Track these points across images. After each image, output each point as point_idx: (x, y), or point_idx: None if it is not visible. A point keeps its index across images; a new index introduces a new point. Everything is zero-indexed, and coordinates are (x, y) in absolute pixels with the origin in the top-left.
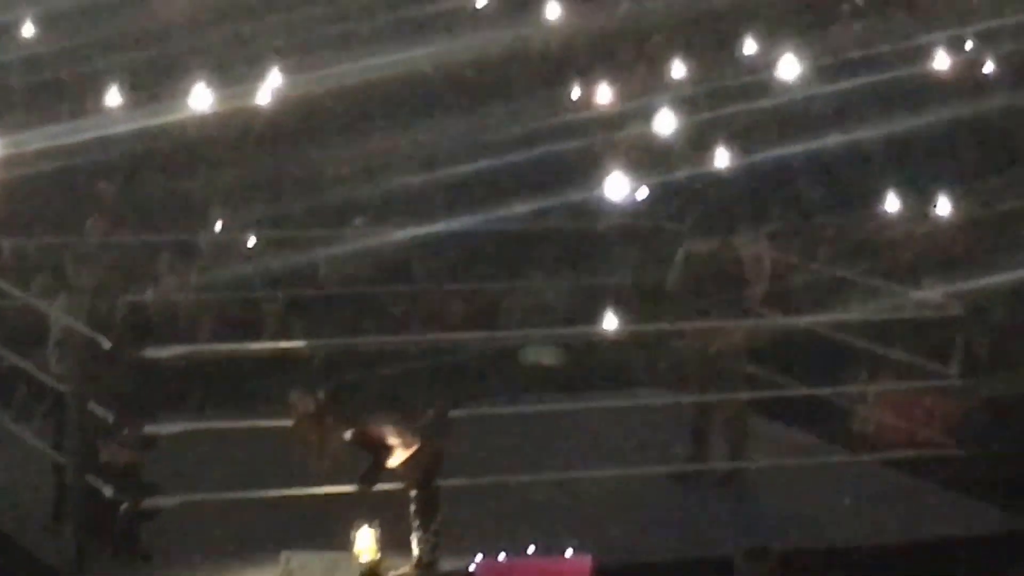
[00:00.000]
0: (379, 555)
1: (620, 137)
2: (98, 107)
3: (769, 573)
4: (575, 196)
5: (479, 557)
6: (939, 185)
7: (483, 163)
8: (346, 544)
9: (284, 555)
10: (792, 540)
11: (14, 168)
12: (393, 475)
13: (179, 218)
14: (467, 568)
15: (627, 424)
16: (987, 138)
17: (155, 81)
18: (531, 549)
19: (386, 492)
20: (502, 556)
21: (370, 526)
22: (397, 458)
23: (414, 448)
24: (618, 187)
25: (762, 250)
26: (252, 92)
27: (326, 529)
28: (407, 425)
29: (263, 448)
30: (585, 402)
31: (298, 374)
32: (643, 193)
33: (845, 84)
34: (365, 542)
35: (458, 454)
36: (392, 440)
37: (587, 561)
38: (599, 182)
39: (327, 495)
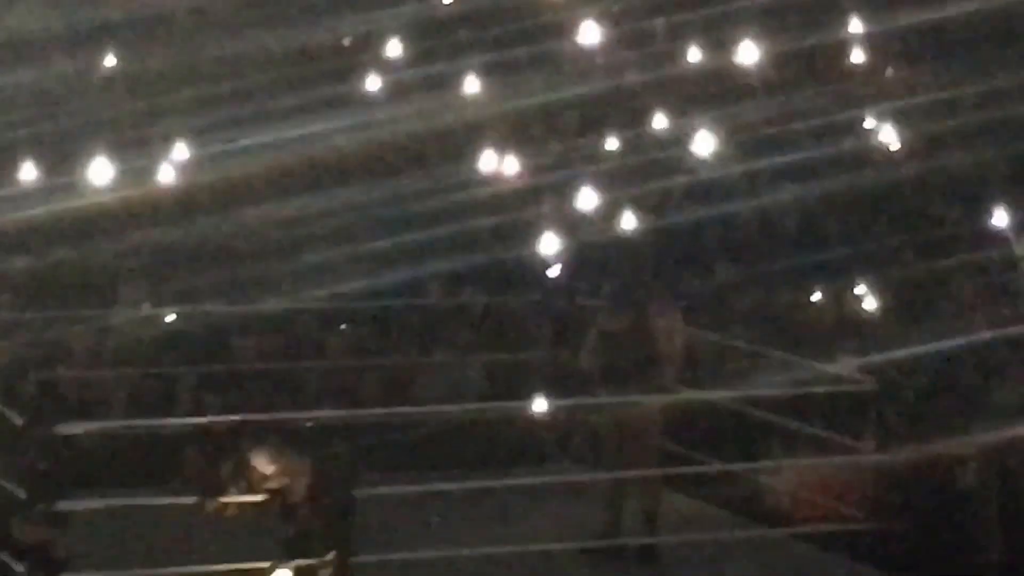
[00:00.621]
0: None
1: (534, 212)
2: (7, 182)
3: None
4: (490, 271)
5: None
6: (852, 260)
7: (397, 237)
8: None
9: None
10: None
11: None
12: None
13: (91, 294)
14: None
15: (541, 500)
16: (899, 213)
17: (65, 156)
18: None
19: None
20: None
21: (284, 565)
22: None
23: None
24: (533, 262)
25: (675, 325)
26: (163, 167)
27: None
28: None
29: (176, 525)
30: (498, 478)
31: (212, 449)
32: (557, 269)
33: (759, 159)
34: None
35: (368, 530)
36: (269, 467)
37: None
38: (513, 257)
39: (241, 571)
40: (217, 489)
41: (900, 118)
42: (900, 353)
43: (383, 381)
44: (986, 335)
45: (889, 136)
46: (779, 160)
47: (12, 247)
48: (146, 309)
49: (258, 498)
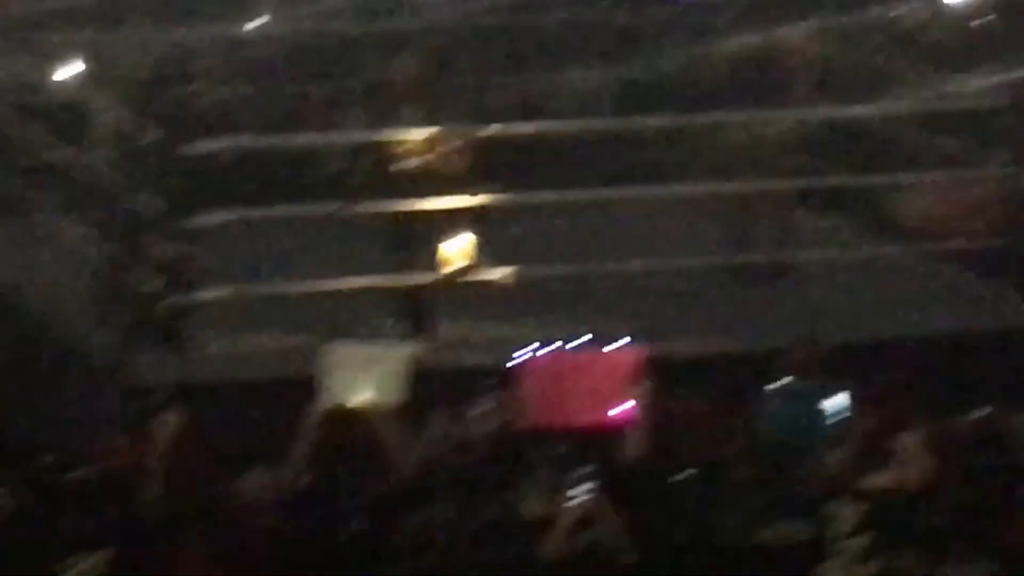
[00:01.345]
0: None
1: None
2: None
3: (816, 365)
4: None
5: (529, 349)
6: None
7: None
8: (390, 335)
9: (328, 349)
10: (839, 332)
11: None
12: None
13: (223, 6)
14: (516, 361)
15: (674, 216)
16: None
17: None
18: (580, 340)
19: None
20: (553, 347)
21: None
22: None
23: None
24: None
25: (807, 40)
26: None
27: (370, 320)
28: None
29: (309, 239)
30: (633, 192)
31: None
32: None
33: None
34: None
35: (505, 242)
36: None
37: (637, 352)
38: None
39: (371, 287)
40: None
41: None
42: None
43: (515, 98)
44: None
45: None
46: None
47: None
48: (278, 24)
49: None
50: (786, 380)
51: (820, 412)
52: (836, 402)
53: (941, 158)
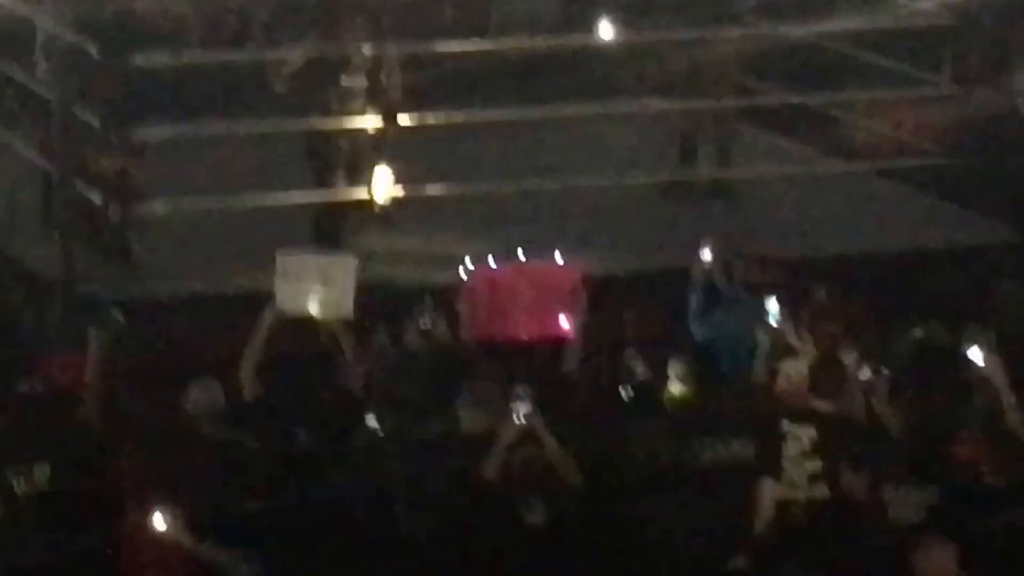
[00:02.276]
0: None
1: None
2: None
3: (754, 280)
4: None
5: (468, 265)
6: None
7: None
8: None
9: (279, 259)
10: (784, 249)
11: None
12: None
13: None
14: (457, 276)
15: (615, 133)
16: None
17: None
18: (520, 255)
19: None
20: (491, 263)
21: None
22: None
23: None
24: None
25: None
26: None
27: (322, 234)
28: None
29: (256, 154)
30: (574, 109)
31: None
32: None
33: None
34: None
35: (443, 161)
36: None
37: (577, 269)
38: None
39: (321, 201)
40: None
41: None
42: None
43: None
44: None
45: None
46: None
47: None
48: None
49: None
50: (721, 292)
51: (753, 323)
52: (768, 312)
53: (886, 77)
